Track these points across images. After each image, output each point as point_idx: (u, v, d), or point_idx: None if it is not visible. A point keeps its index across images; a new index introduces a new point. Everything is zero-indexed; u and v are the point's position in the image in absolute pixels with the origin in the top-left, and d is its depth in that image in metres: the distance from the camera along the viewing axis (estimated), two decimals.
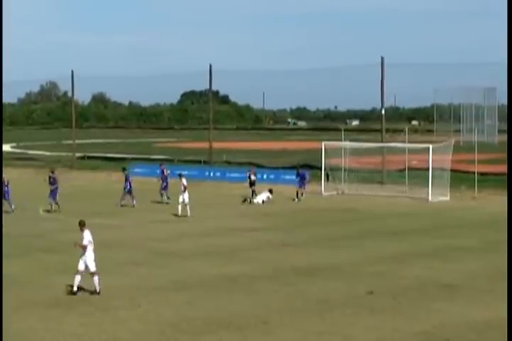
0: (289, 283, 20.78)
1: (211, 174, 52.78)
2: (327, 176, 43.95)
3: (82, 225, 19.65)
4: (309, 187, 41.67)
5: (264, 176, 48.18)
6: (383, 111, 50.56)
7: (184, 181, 34.64)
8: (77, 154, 65.76)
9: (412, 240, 28.14)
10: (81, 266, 19.22)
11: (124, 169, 38.84)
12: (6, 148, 78.93)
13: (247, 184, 41.15)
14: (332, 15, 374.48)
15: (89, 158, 67.02)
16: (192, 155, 65.02)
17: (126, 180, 37.64)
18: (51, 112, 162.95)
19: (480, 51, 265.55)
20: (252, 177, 41.01)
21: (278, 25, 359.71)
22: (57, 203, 35.16)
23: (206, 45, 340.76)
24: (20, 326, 16.60)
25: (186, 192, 34.31)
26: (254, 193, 40.12)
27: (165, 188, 39.09)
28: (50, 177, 35.66)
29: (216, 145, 60.80)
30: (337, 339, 15.90)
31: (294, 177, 42.60)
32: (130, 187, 37.44)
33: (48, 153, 75.27)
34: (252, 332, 16.31)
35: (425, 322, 17.03)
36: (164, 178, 39.31)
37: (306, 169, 45.11)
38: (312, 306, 18.38)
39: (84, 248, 19.26)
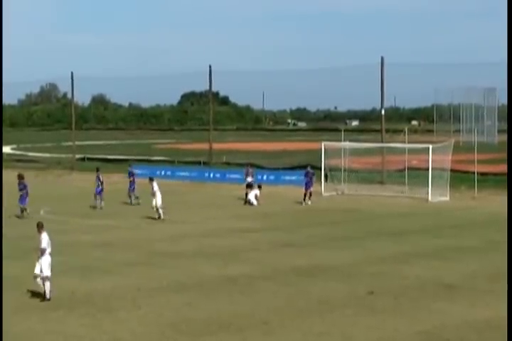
0: (289, 284, 20.77)
1: (211, 175, 52.75)
2: (326, 177, 43.90)
3: (39, 227, 19.11)
4: None
5: (264, 177, 48.14)
6: (383, 112, 50.56)
7: (155, 185, 34.13)
8: (77, 156, 65.76)
9: (412, 240, 28.13)
10: (37, 270, 18.75)
11: (97, 169, 38.82)
12: (6, 149, 78.96)
13: (244, 186, 40.31)
14: (332, 16, 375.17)
15: (89, 159, 66.92)
16: (192, 156, 65.04)
17: (99, 180, 37.59)
18: (51, 114, 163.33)
19: (480, 51, 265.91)
20: (249, 179, 40.27)
21: (278, 25, 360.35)
22: (25, 208, 34.00)
23: (206, 45, 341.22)
24: (20, 328, 16.58)
25: (158, 195, 33.66)
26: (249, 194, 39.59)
27: (133, 190, 38.99)
28: (19, 183, 34.66)
29: (216, 146, 60.86)
30: (337, 339, 15.89)
31: (293, 177, 42.44)
32: (101, 188, 37.38)
33: (48, 155, 75.29)
34: (253, 332, 16.30)
35: (426, 322, 17.03)
36: (132, 179, 39.26)
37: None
38: (313, 306, 18.37)
39: (43, 251, 18.78)
